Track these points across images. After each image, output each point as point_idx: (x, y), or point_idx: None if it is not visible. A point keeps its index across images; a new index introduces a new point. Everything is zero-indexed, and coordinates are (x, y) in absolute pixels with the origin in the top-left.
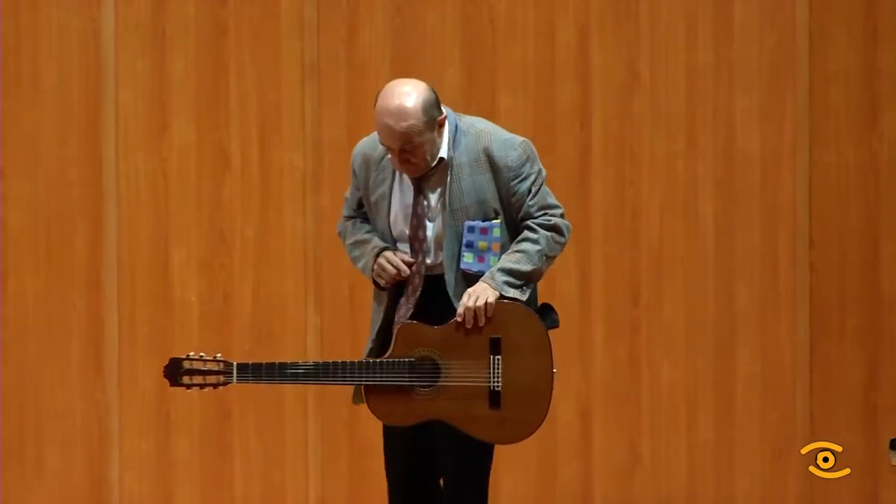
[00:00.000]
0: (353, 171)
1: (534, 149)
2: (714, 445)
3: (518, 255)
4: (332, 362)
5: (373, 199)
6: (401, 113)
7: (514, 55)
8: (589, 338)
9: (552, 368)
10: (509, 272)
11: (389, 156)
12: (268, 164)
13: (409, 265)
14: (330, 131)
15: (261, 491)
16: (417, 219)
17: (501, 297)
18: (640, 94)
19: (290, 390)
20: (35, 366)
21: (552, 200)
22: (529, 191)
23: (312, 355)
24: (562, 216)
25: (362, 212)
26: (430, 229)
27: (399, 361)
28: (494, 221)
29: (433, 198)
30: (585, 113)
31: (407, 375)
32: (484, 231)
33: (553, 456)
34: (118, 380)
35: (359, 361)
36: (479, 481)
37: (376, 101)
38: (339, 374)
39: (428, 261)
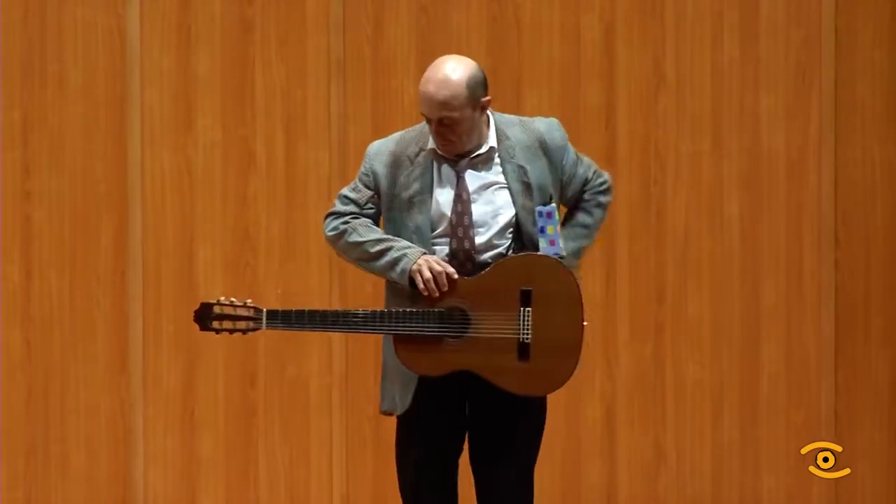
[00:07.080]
0: (372, 171)
1: None
2: (739, 444)
3: (581, 229)
4: (362, 311)
5: (406, 195)
6: (444, 82)
7: (539, 54)
8: (614, 337)
9: (583, 321)
10: (576, 253)
11: (428, 147)
12: (293, 161)
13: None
14: (355, 129)
15: (285, 489)
16: (462, 204)
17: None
18: (665, 93)
19: (315, 389)
20: (60, 364)
21: (593, 162)
22: (576, 161)
23: (337, 352)
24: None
25: (367, 212)
26: (474, 214)
27: (429, 311)
28: (552, 205)
29: (477, 183)
30: (611, 112)
31: (436, 326)
32: (549, 215)
33: (578, 454)
34: (143, 378)
35: (388, 311)
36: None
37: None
38: (369, 323)
39: (478, 241)
